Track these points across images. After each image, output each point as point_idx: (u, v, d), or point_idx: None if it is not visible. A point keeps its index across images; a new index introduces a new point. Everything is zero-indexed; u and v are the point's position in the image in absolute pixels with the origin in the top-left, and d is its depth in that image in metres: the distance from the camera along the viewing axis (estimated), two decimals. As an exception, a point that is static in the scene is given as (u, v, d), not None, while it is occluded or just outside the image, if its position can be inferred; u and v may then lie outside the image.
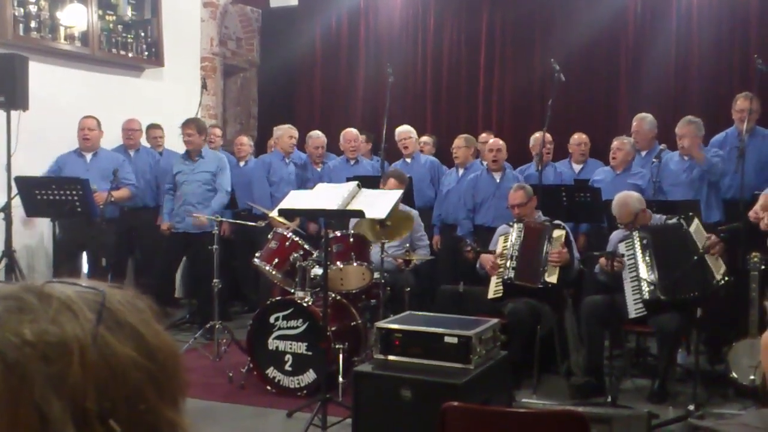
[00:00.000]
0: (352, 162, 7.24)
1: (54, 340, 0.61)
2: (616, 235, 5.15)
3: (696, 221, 4.79)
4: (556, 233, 5.17)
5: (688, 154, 5.74)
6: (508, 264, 5.17)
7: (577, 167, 6.84)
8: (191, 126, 6.44)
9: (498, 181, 6.30)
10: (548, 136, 6.38)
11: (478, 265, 5.46)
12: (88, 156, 6.38)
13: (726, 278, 4.55)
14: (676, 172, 5.84)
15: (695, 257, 4.54)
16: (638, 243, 4.85)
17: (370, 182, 5.54)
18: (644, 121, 6.40)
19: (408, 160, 7.15)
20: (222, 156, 6.81)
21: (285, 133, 7.22)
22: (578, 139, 6.82)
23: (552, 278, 5.05)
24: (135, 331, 0.66)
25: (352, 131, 7.35)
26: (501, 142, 6.42)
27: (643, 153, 6.39)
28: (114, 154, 6.61)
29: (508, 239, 5.31)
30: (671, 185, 5.83)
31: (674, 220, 4.87)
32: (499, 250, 5.33)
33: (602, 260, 4.97)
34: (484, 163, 6.56)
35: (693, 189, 5.73)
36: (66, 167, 6.22)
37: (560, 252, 5.07)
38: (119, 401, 0.63)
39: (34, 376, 0.59)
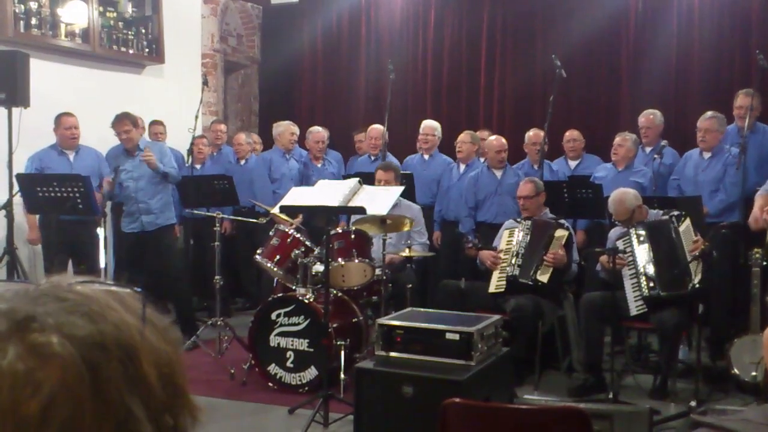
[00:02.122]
0: (373, 158, 7.16)
1: (118, 340, 0.62)
2: (614, 232, 5.14)
3: (687, 221, 4.77)
4: (559, 233, 5.14)
5: (708, 149, 5.74)
6: (513, 261, 5.17)
7: (573, 163, 6.82)
8: (126, 122, 5.77)
9: (499, 178, 6.30)
10: (541, 133, 6.36)
11: (478, 261, 5.46)
12: (71, 154, 6.15)
13: (698, 285, 4.55)
14: (695, 171, 5.82)
15: (689, 259, 4.54)
16: (635, 239, 4.84)
17: (372, 178, 5.55)
18: (655, 116, 6.41)
19: (426, 156, 7.02)
20: (160, 143, 6.41)
21: (286, 129, 7.21)
22: (569, 135, 6.80)
23: (543, 277, 5.03)
24: (158, 327, 0.68)
25: (378, 128, 7.14)
26: (504, 140, 6.39)
27: (647, 149, 6.38)
28: (95, 151, 6.38)
29: (513, 234, 5.30)
30: (692, 184, 5.81)
31: (665, 217, 4.88)
32: (502, 244, 5.33)
33: (603, 258, 4.96)
34: (482, 159, 6.53)
35: (712, 187, 5.69)
36: (51, 167, 5.97)
37: (556, 254, 5.04)
38: (170, 396, 0.65)
39: (112, 376, 0.61)
